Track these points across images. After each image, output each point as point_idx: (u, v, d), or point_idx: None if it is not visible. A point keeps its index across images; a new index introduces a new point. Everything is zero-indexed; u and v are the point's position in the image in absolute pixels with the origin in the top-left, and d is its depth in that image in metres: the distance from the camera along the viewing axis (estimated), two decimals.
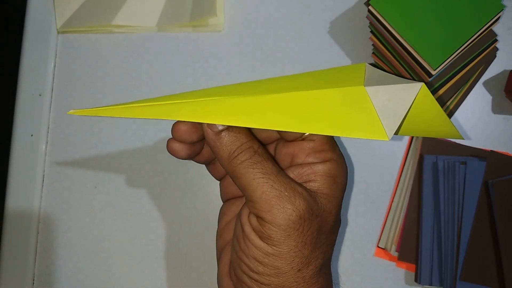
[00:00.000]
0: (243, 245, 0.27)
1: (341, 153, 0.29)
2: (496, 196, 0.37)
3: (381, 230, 0.39)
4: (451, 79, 0.37)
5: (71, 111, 0.28)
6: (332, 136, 0.29)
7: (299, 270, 0.26)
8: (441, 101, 0.38)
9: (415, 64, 0.35)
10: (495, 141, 0.40)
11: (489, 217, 0.37)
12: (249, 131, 0.28)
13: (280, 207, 0.25)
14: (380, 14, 0.35)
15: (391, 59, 0.38)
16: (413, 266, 0.38)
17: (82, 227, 0.40)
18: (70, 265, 0.39)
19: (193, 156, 0.29)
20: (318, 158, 0.28)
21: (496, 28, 0.38)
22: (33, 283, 0.39)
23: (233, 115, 0.26)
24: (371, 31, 0.39)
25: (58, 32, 0.42)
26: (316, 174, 0.27)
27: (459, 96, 0.39)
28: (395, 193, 0.40)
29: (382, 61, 0.39)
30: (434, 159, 0.38)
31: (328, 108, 0.26)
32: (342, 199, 0.28)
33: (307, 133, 0.28)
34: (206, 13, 0.40)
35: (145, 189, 0.40)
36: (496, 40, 0.38)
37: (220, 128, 0.26)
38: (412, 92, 0.26)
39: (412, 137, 0.40)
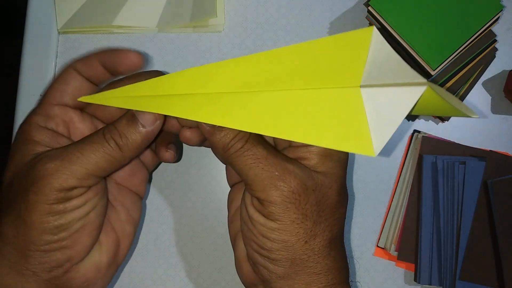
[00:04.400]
0: (250, 225, 0.28)
1: None
2: (495, 196, 0.37)
3: (381, 230, 0.40)
4: (451, 79, 0.37)
5: (80, 98, 0.29)
6: None
7: (306, 242, 0.27)
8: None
9: (415, 65, 0.35)
10: (494, 141, 0.40)
11: (488, 217, 0.37)
12: None
13: (272, 186, 0.27)
14: (379, 15, 0.35)
15: None
16: (413, 265, 0.39)
17: None
18: None
19: (203, 142, 0.31)
20: None
21: (495, 29, 0.38)
22: None
23: (219, 116, 0.27)
24: None
25: (59, 33, 0.43)
26: (310, 153, 0.28)
27: (458, 96, 0.39)
28: (394, 192, 0.40)
29: None
30: (433, 159, 0.38)
31: (315, 112, 0.25)
32: (345, 174, 0.29)
33: None
34: (206, 14, 0.40)
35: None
36: (495, 41, 0.38)
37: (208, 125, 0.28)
38: (413, 96, 0.23)
39: (412, 137, 0.40)
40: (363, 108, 0.24)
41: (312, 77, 0.25)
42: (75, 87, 0.30)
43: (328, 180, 0.28)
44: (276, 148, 0.29)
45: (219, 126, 0.27)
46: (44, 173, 0.26)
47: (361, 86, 0.24)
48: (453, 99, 0.26)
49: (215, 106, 0.27)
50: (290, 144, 0.29)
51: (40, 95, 0.42)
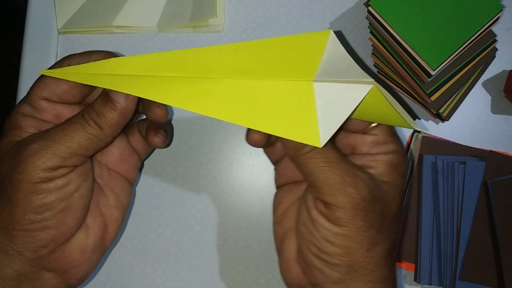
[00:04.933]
0: (311, 228, 0.28)
1: (401, 142, 0.30)
2: (496, 196, 0.37)
3: None
4: (451, 79, 0.37)
5: (42, 71, 0.30)
6: (394, 127, 0.30)
7: (368, 250, 0.27)
8: (441, 101, 0.38)
9: (415, 65, 0.35)
10: (494, 141, 0.40)
11: (488, 217, 0.37)
12: None
13: (343, 191, 0.27)
14: (379, 15, 0.35)
15: (391, 59, 0.38)
16: (413, 265, 0.39)
17: None
18: None
19: (269, 145, 0.31)
20: (381, 150, 0.29)
21: (495, 29, 0.38)
22: None
23: (179, 98, 0.27)
24: (371, 32, 0.39)
25: (59, 33, 0.43)
26: (377, 162, 0.29)
27: (458, 96, 0.39)
28: None
29: (382, 62, 0.39)
30: (433, 159, 0.38)
31: (271, 102, 0.26)
32: (405, 186, 0.30)
33: (370, 126, 0.29)
34: (206, 14, 0.40)
35: (145, 189, 0.41)
36: (495, 41, 0.38)
37: None
38: (361, 93, 0.25)
39: (412, 137, 0.40)
40: (314, 101, 0.26)
41: (271, 69, 0.27)
42: (64, 90, 0.30)
43: (392, 190, 0.28)
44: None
45: None
46: (27, 153, 0.27)
47: (314, 80, 0.26)
48: (398, 107, 0.27)
49: (175, 89, 0.27)
50: (354, 151, 0.29)
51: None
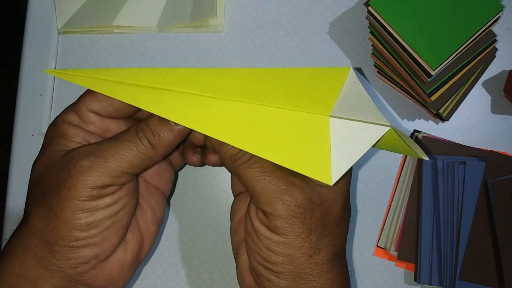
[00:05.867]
0: (255, 238, 0.28)
1: None
2: (495, 196, 0.37)
3: (381, 230, 0.40)
4: (451, 79, 0.37)
5: (47, 70, 0.29)
6: None
7: (311, 256, 0.27)
8: (441, 101, 0.38)
9: (415, 65, 0.35)
10: (494, 141, 0.40)
11: (488, 217, 0.37)
12: None
13: (278, 199, 0.27)
14: (379, 15, 0.35)
15: (391, 59, 0.38)
16: (413, 265, 0.39)
17: None
18: None
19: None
20: None
21: (495, 28, 0.38)
22: None
23: (189, 116, 0.27)
24: (371, 32, 0.39)
25: (59, 33, 0.43)
26: None
27: (458, 96, 0.39)
28: (394, 192, 0.40)
29: (382, 62, 0.39)
30: (433, 159, 0.38)
31: (284, 131, 0.26)
32: (348, 189, 0.29)
33: None
34: (206, 14, 0.40)
35: None
36: (495, 41, 0.38)
37: None
38: (376, 135, 0.25)
39: (412, 137, 0.40)
40: (329, 137, 0.26)
41: (288, 99, 0.27)
42: (116, 109, 0.29)
43: (333, 194, 0.28)
44: None
45: None
46: (78, 169, 0.27)
47: (330, 116, 0.26)
48: (411, 142, 0.28)
49: (187, 106, 0.27)
50: None
51: (40, 95, 0.42)
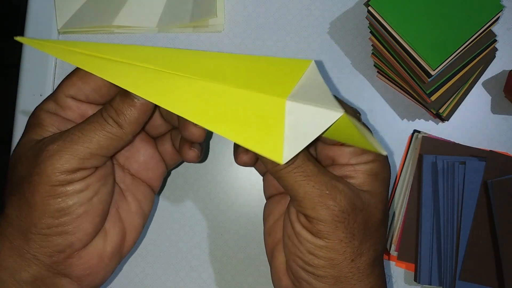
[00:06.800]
0: (296, 242, 0.28)
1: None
2: (496, 196, 0.37)
3: None
4: (451, 79, 0.37)
5: (18, 37, 0.29)
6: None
7: (352, 260, 0.27)
8: (441, 101, 0.38)
9: (415, 65, 0.35)
10: (494, 141, 0.40)
11: (488, 217, 0.37)
12: None
13: (322, 204, 0.27)
14: (379, 15, 0.35)
15: (391, 59, 0.38)
16: (413, 265, 0.39)
17: None
18: None
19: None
20: (360, 160, 0.29)
21: (495, 28, 0.38)
22: None
23: (151, 90, 0.27)
24: (371, 32, 0.39)
25: (59, 33, 0.43)
26: (357, 172, 0.28)
27: (458, 96, 0.39)
28: (394, 192, 0.40)
29: (382, 62, 0.39)
30: (433, 159, 0.38)
31: (242, 111, 0.27)
32: (387, 195, 0.30)
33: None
34: (206, 14, 0.40)
35: None
36: (495, 41, 0.38)
37: None
38: (329, 119, 0.26)
39: (412, 137, 0.40)
40: (284, 118, 0.27)
41: (249, 82, 0.28)
42: (92, 89, 0.29)
43: (374, 199, 0.28)
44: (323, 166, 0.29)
45: None
46: (46, 154, 0.27)
47: (287, 99, 0.27)
48: (367, 133, 0.28)
49: (149, 80, 0.27)
50: (334, 162, 0.29)
51: (40, 95, 0.42)
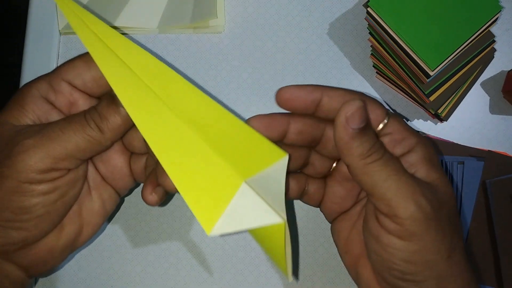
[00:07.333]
0: (386, 255, 0.26)
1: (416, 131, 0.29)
2: (494, 195, 0.37)
3: None
4: (449, 80, 0.38)
5: None
6: (405, 121, 0.28)
7: (449, 256, 0.26)
8: (439, 102, 0.38)
9: (413, 65, 0.36)
10: (493, 141, 0.40)
11: (487, 217, 0.37)
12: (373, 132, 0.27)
13: (414, 202, 0.25)
14: (378, 16, 0.36)
15: (390, 60, 0.38)
16: None
17: None
18: (72, 263, 0.39)
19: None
20: (405, 147, 0.27)
21: (494, 29, 0.38)
22: (36, 281, 0.40)
23: (135, 106, 0.27)
24: (370, 33, 0.39)
25: (61, 33, 0.43)
26: (414, 165, 0.27)
27: (457, 97, 0.39)
28: None
29: (381, 62, 0.40)
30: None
31: (203, 168, 0.27)
32: (448, 177, 0.28)
33: (378, 128, 0.28)
34: (207, 15, 0.41)
35: None
36: (494, 41, 0.38)
37: (354, 126, 0.25)
38: (268, 220, 0.26)
39: None
40: (233, 196, 0.26)
41: (224, 145, 0.27)
42: (93, 77, 0.28)
43: (443, 188, 0.27)
44: None
45: (357, 131, 0.26)
46: (20, 148, 0.26)
47: (245, 181, 0.27)
48: (289, 253, 0.28)
49: (140, 98, 0.27)
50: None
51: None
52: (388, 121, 0.28)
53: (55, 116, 0.29)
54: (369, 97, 0.28)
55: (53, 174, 0.27)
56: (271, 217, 0.26)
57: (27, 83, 0.29)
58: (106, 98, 0.28)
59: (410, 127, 0.29)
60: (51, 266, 0.30)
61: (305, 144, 0.30)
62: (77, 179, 0.29)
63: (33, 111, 0.28)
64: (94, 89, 0.29)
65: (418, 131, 0.40)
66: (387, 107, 0.41)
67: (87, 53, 0.29)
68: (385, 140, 0.28)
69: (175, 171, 0.27)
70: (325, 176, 0.32)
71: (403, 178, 0.25)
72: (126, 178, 0.33)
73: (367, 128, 0.26)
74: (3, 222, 0.26)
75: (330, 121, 0.28)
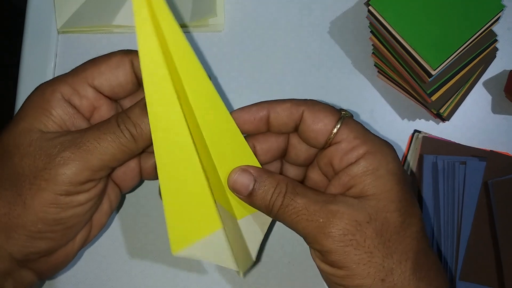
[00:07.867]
0: (324, 277, 0.27)
1: (379, 139, 0.27)
2: (496, 196, 0.37)
3: None
4: (451, 79, 0.37)
5: None
6: (362, 126, 0.28)
7: (383, 280, 0.25)
8: (441, 101, 0.38)
9: (415, 64, 0.35)
10: (494, 141, 0.40)
11: (488, 217, 0.37)
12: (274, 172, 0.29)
13: (322, 235, 0.25)
14: (380, 14, 0.35)
15: (391, 59, 0.38)
16: None
17: None
18: (71, 263, 0.39)
19: None
20: (351, 159, 0.26)
21: (496, 28, 0.38)
22: None
23: (161, 127, 0.27)
24: (371, 31, 0.39)
25: (59, 32, 0.43)
26: (353, 178, 0.26)
27: (459, 96, 0.39)
28: None
29: (382, 61, 0.39)
30: (434, 159, 0.38)
31: (194, 205, 0.29)
32: (403, 187, 0.26)
33: (330, 136, 0.28)
34: (206, 13, 0.40)
35: (145, 189, 0.40)
36: (496, 40, 0.38)
37: (250, 188, 0.27)
38: (224, 264, 0.31)
39: (412, 137, 0.40)
40: (207, 235, 0.30)
41: (222, 190, 0.29)
42: (120, 83, 0.28)
43: (381, 203, 0.25)
44: (315, 189, 0.27)
45: (255, 187, 0.27)
46: (59, 161, 0.25)
47: (222, 226, 0.30)
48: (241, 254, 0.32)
49: (171, 120, 0.28)
50: (333, 167, 0.28)
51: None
52: (339, 129, 0.27)
53: (80, 121, 0.28)
54: (318, 104, 0.28)
55: (89, 185, 0.27)
56: (229, 264, 0.30)
57: (45, 85, 0.28)
58: (139, 105, 0.27)
59: (366, 134, 0.27)
60: (62, 268, 0.31)
61: (276, 158, 0.31)
62: (105, 187, 0.29)
63: (59, 116, 0.27)
64: (120, 94, 0.29)
65: (418, 131, 0.40)
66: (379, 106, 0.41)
67: (110, 56, 0.28)
68: (337, 148, 0.27)
69: (170, 196, 0.28)
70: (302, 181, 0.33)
71: (304, 217, 0.26)
72: (136, 177, 0.33)
73: (259, 185, 0.27)
74: (34, 234, 0.26)
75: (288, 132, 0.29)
